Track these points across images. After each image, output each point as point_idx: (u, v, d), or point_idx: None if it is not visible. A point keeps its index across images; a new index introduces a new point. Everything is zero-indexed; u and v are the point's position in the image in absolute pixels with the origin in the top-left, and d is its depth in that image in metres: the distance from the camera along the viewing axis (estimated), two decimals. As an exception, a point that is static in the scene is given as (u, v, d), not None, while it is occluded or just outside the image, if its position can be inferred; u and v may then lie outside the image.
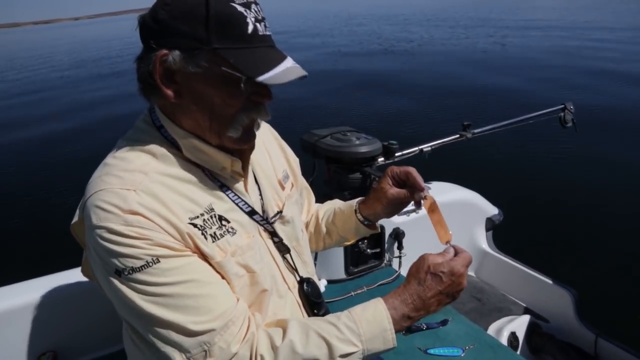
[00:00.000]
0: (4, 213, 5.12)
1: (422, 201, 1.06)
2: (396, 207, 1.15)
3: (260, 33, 0.82)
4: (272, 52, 0.83)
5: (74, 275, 1.64)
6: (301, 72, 0.83)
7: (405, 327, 0.89)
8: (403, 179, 1.10)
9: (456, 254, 0.92)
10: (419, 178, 1.07)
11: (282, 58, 0.83)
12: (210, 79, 0.81)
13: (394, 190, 1.11)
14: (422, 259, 0.91)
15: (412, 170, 1.09)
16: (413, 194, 1.09)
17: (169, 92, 0.84)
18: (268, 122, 1.21)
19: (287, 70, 0.81)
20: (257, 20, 0.81)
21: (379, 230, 1.27)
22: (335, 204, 1.30)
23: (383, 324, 0.85)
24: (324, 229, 1.28)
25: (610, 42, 14.87)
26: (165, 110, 0.90)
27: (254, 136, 0.91)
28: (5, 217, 5.01)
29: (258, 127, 0.93)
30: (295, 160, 1.22)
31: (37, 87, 14.72)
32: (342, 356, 0.82)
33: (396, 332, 0.86)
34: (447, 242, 0.96)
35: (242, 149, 0.92)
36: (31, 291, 1.57)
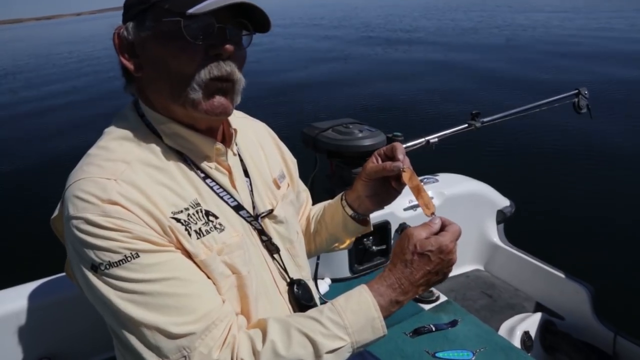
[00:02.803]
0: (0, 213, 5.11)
1: (402, 174, 0.97)
2: (381, 187, 1.05)
3: None
4: None
5: (67, 280, 1.59)
6: None
7: (394, 311, 0.83)
8: (390, 155, 1.02)
9: (443, 226, 0.86)
10: (400, 150, 0.99)
11: None
12: (159, 37, 0.79)
13: (373, 164, 1.03)
14: (407, 236, 0.85)
15: (396, 144, 1.01)
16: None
17: (129, 65, 0.83)
18: (272, 120, 1.15)
19: None
20: None
21: (371, 228, 1.18)
22: (327, 201, 1.23)
23: (370, 313, 0.80)
24: (312, 229, 1.21)
25: (626, 26, 14.56)
26: (141, 95, 0.87)
27: (220, 102, 0.82)
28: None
29: (235, 94, 0.85)
30: (292, 161, 1.16)
31: (37, 83, 14.80)
32: (329, 352, 0.77)
33: (385, 318, 0.81)
34: (432, 214, 0.90)
35: (210, 118, 0.84)
36: (24, 296, 1.53)
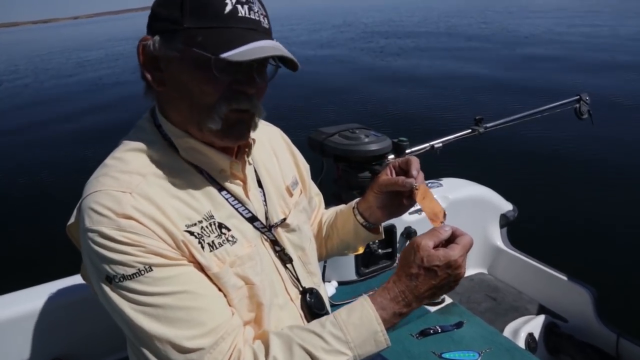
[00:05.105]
0: (9, 218, 5.15)
1: (414, 192, 0.96)
2: (392, 200, 1.06)
3: (240, 14, 0.76)
4: (249, 33, 0.77)
5: (81, 280, 1.62)
6: (277, 51, 0.76)
7: (397, 323, 0.83)
8: (404, 169, 1.02)
9: (454, 236, 0.83)
10: (415, 165, 0.99)
11: (259, 38, 0.77)
12: (186, 62, 0.78)
13: (386, 177, 1.03)
14: (413, 248, 0.82)
15: (412, 158, 1.01)
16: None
17: (151, 79, 0.82)
18: (279, 125, 1.17)
19: (259, 48, 0.75)
20: (239, 2, 0.77)
21: (382, 235, 1.17)
22: (339, 207, 1.24)
23: (373, 327, 0.80)
24: (324, 233, 1.22)
25: (625, 30, 14.60)
26: (159, 105, 0.87)
27: (240, 133, 0.84)
28: (11, 222, 5.05)
29: (255, 126, 0.87)
30: (305, 167, 1.16)
31: (36, 87, 14.83)
32: None
33: (388, 329, 0.81)
34: (442, 222, 0.87)
35: (227, 145, 0.86)
36: (38, 297, 1.55)
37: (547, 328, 2.03)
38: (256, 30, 0.78)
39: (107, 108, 10.10)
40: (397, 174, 1.03)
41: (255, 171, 0.98)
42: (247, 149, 0.93)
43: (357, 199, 1.16)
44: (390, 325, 0.82)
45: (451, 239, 0.83)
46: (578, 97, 2.47)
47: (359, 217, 1.13)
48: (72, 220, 0.84)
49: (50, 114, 10.28)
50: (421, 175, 0.99)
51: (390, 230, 2.14)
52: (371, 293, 0.85)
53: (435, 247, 0.82)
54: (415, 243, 0.82)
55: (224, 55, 0.73)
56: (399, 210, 1.08)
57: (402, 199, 1.03)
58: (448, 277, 0.81)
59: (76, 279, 1.64)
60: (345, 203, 1.23)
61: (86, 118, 9.46)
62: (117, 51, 24.54)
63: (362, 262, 2.12)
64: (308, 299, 0.98)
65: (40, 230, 4.65)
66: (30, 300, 1.54)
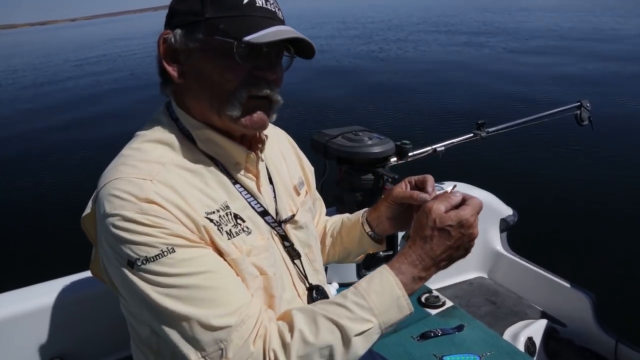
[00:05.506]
0: (12, 216, 5.15)
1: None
2: (402, 213, 1.09)
3: (257, 4, 0.81)
4: (266, 21, 0.81)
5: (82, 279, 1.62)
6: (297, 34, 0.80)
7: (417, 288, 0.84)
8: (420, 186, 1.05)
9: (463, 200, 0.86)
10: (430, 183, 1.02)
11: (277, 25, 0.81)
12: (207, 52, 0.81)
13: (400, 189, 1.06)
14: (425, 212, 0.85)
15: (428, 176, 1.04)
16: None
17: (173, 72, 0.85)
18: (282, 127, 1.19)
19: (278, 31, 0.79)
20: None
21: (384, 247, 1.19)
22: (345, 215, 1.26)
23: (394, 292, 0.81)
24: (328, 241, 1.24)
25: (627, 35, 14.67)
26: (177, 99, 0.90)
27: (260, 118, 0.86)
28: (12, 220, 5.04)
29: (274, 111, 0.90)
30: (310, 170, 1.20)
31: (34, 89, 14.81)
32: (357, 335, 0.78)
33: (410, 295, 0.82)
34: (453, 187, 0.89)
35: (247, 132, 0.89)
36: (38, 296, 1.55)
37: (546, 333, 2.04)
38: (273, 19, 0.82)
39: (106, 108, 10.10)
40: (411, 189, 1.05)
41: (266, 168, 1.01)
42: (259, 145, 0.96)
43: (366, 209, 1.19)
44: (412, 291, 0.83)
45: (461, 204, 0.87)
46: (579, 103, 2.48)
47: (366, 226, 1.15)
48: (87, 211, 0.84)
49: (49, 115, 10.26)
50: (435, 193, 1.01)
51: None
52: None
53: (447, 211, 0.85)
54: (427, 207, 0.85)
55: (247, 38, 0.77)
56: (407, 223, 1.10)
57: (412, 213, 1.05)
58: (462, 236, 0.83)
59: (77, 277, 1.63)
60: (347, 205, 1.25)
61: (86, 119, 9.44)
62: (115, 52, 24.60)
63: (364, 264, 2.11)
64: (315, 295, 0.99)
65: (41, 230, 4.64)
66: (31, 299, 1.54)
